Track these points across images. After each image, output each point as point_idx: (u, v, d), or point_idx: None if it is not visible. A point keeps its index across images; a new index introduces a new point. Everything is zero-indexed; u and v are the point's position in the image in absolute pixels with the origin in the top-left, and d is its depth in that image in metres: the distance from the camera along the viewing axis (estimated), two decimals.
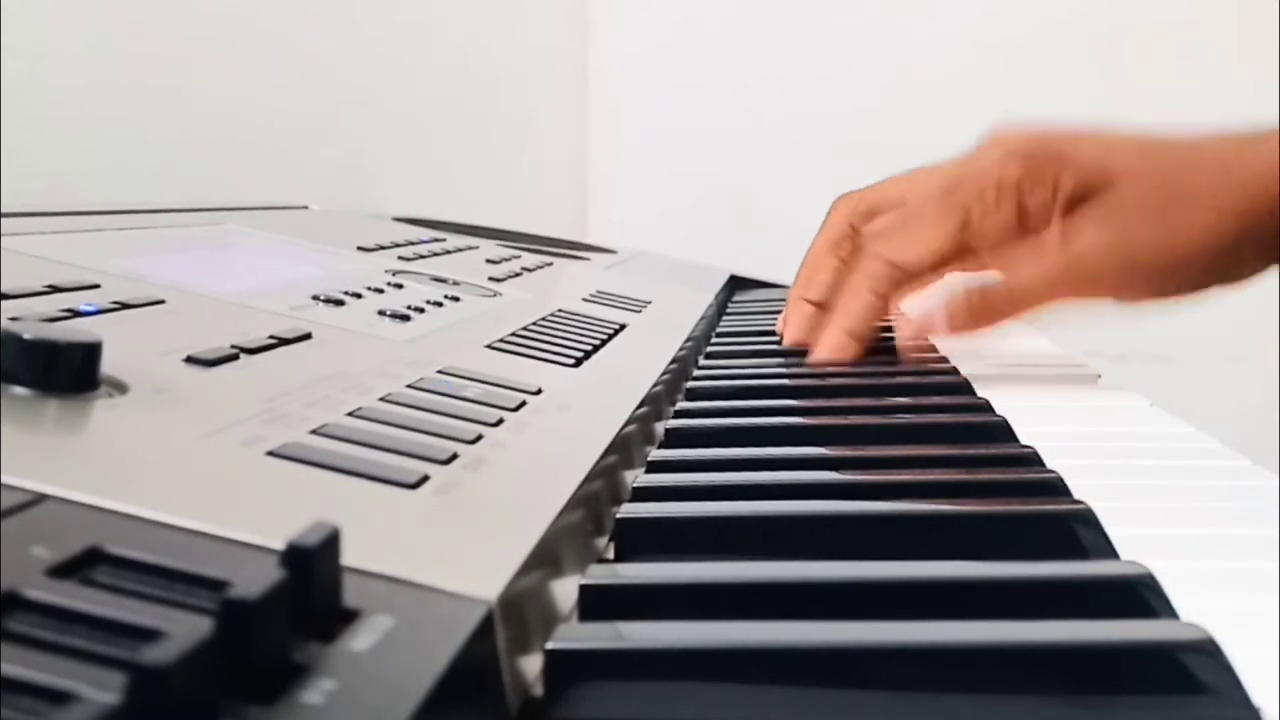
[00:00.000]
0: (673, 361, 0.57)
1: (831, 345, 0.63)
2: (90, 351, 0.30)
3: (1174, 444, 0.47)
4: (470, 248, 0.84)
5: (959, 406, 0.52)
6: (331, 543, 0.20)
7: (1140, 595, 0.28)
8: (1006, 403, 0.50)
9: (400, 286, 0.60)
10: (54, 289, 0.40)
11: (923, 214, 0.62)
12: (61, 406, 0.29)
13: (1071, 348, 0.74)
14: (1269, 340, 1.49)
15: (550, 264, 0.86)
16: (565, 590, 0.28)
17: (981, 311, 0.61)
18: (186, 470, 0.27)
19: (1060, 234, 0.59)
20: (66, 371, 0.29)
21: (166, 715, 0.15)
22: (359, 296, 0.53)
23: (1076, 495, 0.36)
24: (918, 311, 0.62)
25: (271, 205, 0.84)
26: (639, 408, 0.45)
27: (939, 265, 0.63)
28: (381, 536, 0.25)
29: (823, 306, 0.66)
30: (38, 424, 0.27)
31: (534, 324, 0.57)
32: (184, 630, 0.16)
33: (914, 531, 0.34)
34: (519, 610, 0.25)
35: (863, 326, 0.63)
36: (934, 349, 0.68)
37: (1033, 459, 0.41)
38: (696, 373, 0.62)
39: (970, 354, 0.65)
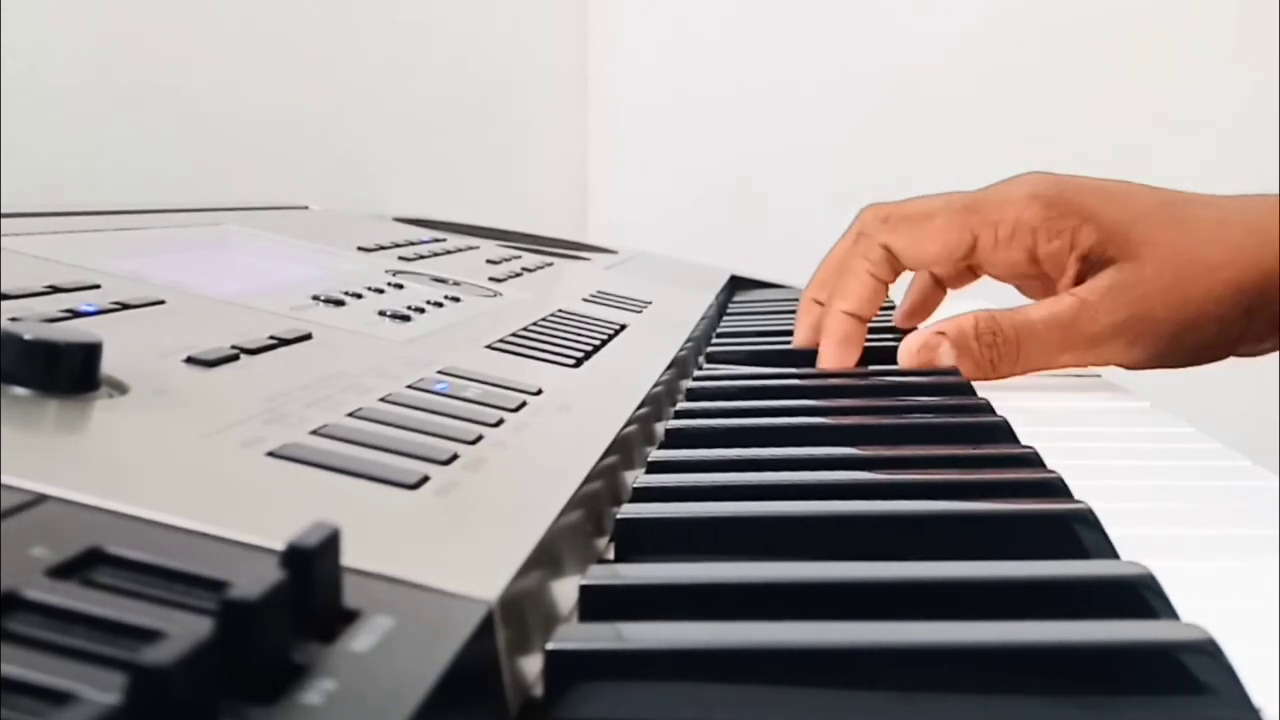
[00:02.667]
0: (673, 362, 0.57)
1: (833, 330, 0.63)
2: (90, 352, 0.30)
3: (1175, 444, 0.47)
4: (470, 248, 0.84)
5: (959, 407, 0.52)
6: (331, 543, 0.20)
7: (1140, 595, 0.28)
8: (1007, 403, 0.50)
9: (400, 287, 0.60)
10: (54, 289, 0.40)
11: (934, 218, 0.63)
12: (61, 407, 0.29)
13: None
14: None
15: (550, 264, 0.86)
16: (565, 590, 0.28)
17: (989, 365, 0.60)
18: (186, 470, 0.27)
19: (1077, 309, 0.59)
20: (66, 372, 0.29)
21: (166, 715, 0.15)
22: (359, 297, 0.53)
23: (1076, 495, 0.36)
24: (917, 343, 0.62)
25: (271, 205, 0.84)
26: (639, 408, 0.45)
27: (934, 268, 0.64)
28: (381, 537, 0.25)
29: (862, 320, 0.65)
30: (38, 424, 0.27)
31: (534, 324, 0.57)
32: (184, 630, 0.16)
33: (914, 531, 0.34)
34: (519, 611, 0.25)
35: (860, 307, 0.63)
36: None
37: (1033, 459, 0.41)
38: (697, 373, 0.62)
39: None
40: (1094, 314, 0.59)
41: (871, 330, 0.67)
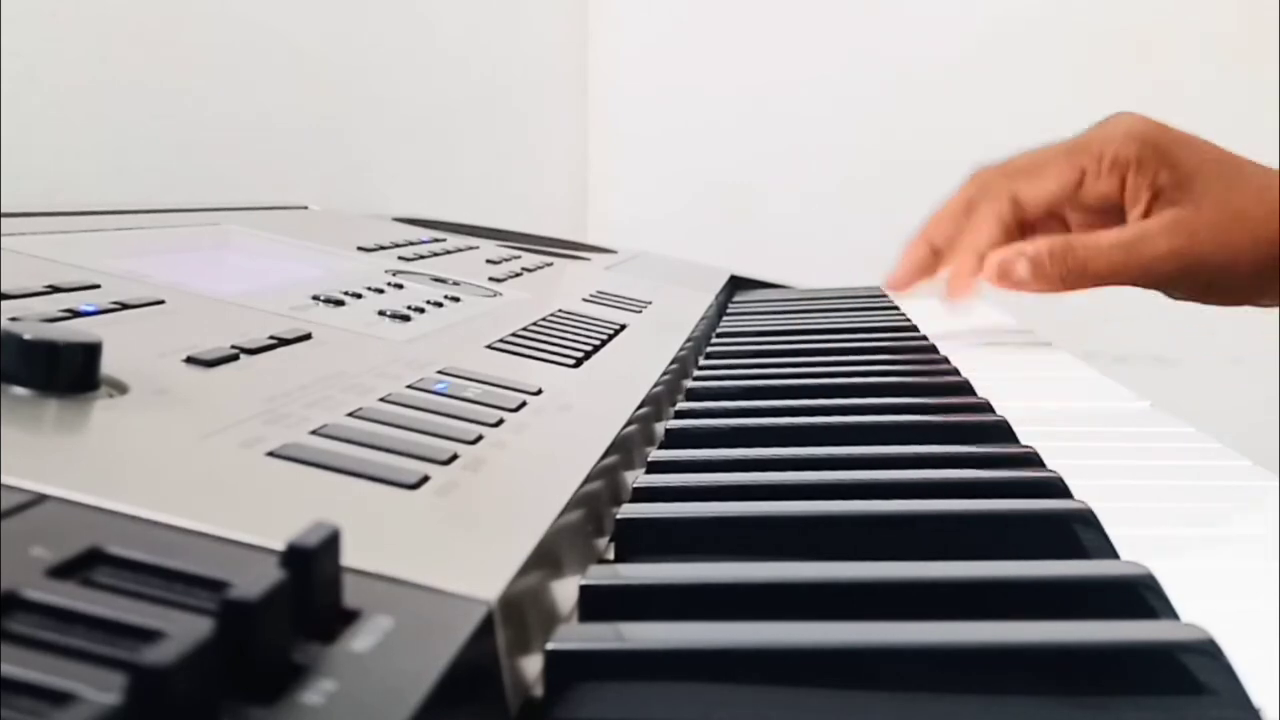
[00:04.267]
0: (673, 362, 0.57)
1: (961, 266, 0.73)
2: (90, 351, 0.30)
3: (1174, 444, 0.47)
4: (470, 248, 0.84)
5: (959, 407, 0.52)
6: (331, 543, 0.20)
7: (1140, 595, 0.28)
8: (1007, 403, 0.50)
9: (400, 287, 0.60)
10: (54, 289, 0.40)
11: (1047, 164, 0.73)
12: (61, 406, 0.29)
13: (1074, 349, 0.74)
14: (1269, 341, 1.49)
15: (550, 264, 0.86)
16: (565, 590, 0.28)
17: (1060, 279, 0.70)
18: (186, 470, 0.27)
19: (1139, 235, 0.70)
20: (66, 371, 0.29)
21: (166, 716, 0.15)
22: (359, 297, 0.53)
23: (1076, 495, 0.36)
24: (999, 258, 0.71)
25: (271, 205, 0.84)
26: (639, 408, 0.45)
27: (1052, 209, 0.73)
28: (381, 537, 0.25)
29: (937, 256, 0.75)
30: (38, 424, 0.27)
31: (534, 324, 0.57)
32: (184, 630, 0.16)
33: (914, 531, 0.34)
34: (519, 611, 0.25)
35: (988, 247, 0.72)
36: (934, 350, 0.68)
37: (1033, 459, 0.41)
38: (697, 373, 0.62)
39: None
40: (1154, 240, 0.70)
41: (870, 330, 0.67)
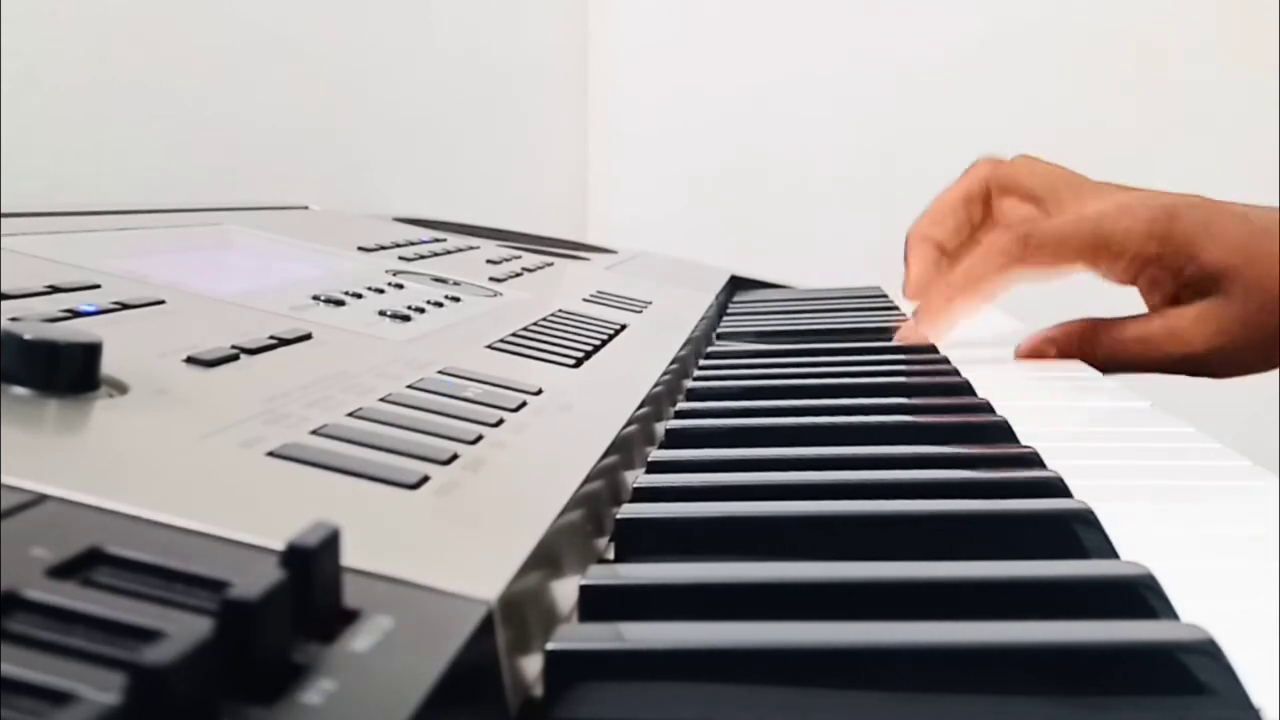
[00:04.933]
0: (673, 362, 0.57)
1: (936, 306, 0.70)
2: (90, 351, 0.30)
3: (1174, 444, 0.47)
4: (470, 248, 0.84)
5: (959, 407, 0.52)
6: (331, 543, 0.20)
7: (1140, 595, 0.28)
8: (1007, 403, 0.50)
9: (400, 287, 0.60)
10: (54, 289, 0.40)
11: (1066, 243, 0.69)
12: (61, 406, 0.29)
13: None
14: None
15: (550, 264, 0.86)
16: (565, 590, 0.28)
17: (1079, 352, 0.69)
18: (186, 470, 0.27)
19: (1166, 331, 0.68)
20: (66, 371, 0.29)
21: (166, 715, 0.15)
22: (359, 297, 0.53)
23: (1076, 495, 0.36)
24: (1032, 338, 0.70)
25: (271, 205, 0.84)
26: (639, 408, 0.45)
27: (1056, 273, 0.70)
28: (381, 536, 0.25)
29: (944, 251, 0.73)
30: (38, 424, 0.27)
31: (534, 324, 0.57)
32: (184, 630, 0.16)
33: (914, 531, 0.34)
34: (519, 611, 0.25)
35: (977, 297, 0.70)
36: (934, 350, 0.68)
37: (1033, 459, 0.41)
38: (697, 373, 0.62)
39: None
40: (1182, 337, 0.68)
41: (870, 330, 0.67)
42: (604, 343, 0.57)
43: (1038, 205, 0.73)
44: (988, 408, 0.50)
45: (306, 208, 0.91)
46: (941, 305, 0.69)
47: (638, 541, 0.34)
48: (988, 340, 0.73)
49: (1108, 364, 0.68)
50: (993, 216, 0.75)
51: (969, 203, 0.75)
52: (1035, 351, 0.69)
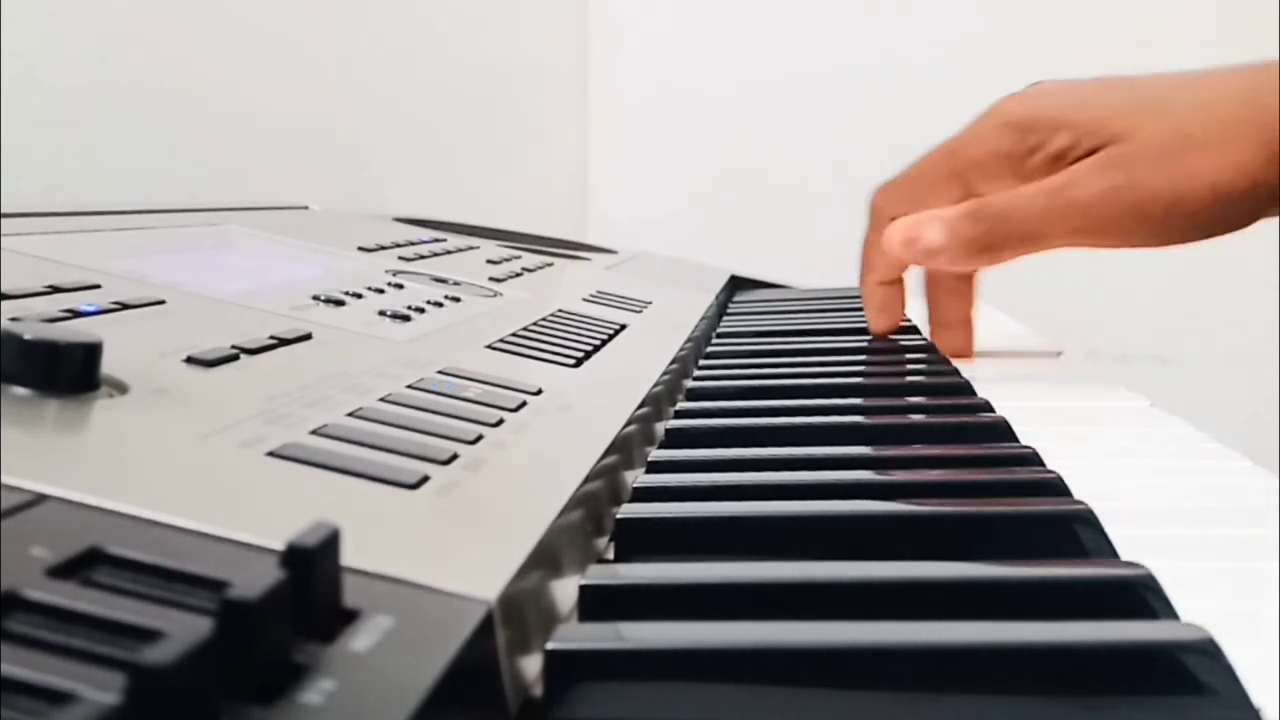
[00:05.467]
0: (673, 362, 0.57)
1: (870, 299, 0.69)
2: (90, 351, 0.30)
3: (1174, 444, 0.47)
4: (470, 248, 0.84)
5: (959, 407, 0.52)
6: (331, 543, 0.20)
7: (1140, 595, 0.28)
8: (1007, 403, 0.50)
9: (400, 287, 0.60)
10: (54, 289, 0.40)
11: (924, 184, 0.64)
12: (61, 406, 0.29)
13: (1073, 348, 0.74)
14: (1269, 340, 1.49)
15: (550, 264, 0.86)
16: (565, 590, 0.28)
17: (980, 242, 0.60)
18: (186, 470, 0.27)
19: (1065, 179, 0.59)
20: (66, 371, 0.29)
21: (166, 715, 0.15)
22: (359, 297, 0.53)
23: (1076, 495, 0.36)
24: (904, 226, 0.63)
25: (271, 205, 0.84)
26: (639, 408, 0.45)
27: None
28: (381, 536, 0.25)
29: (893, 283, 0.70)
30: (38, 424, 0.27)
31: (534, 324, 0.57)
32: (184, 630, 0.16)
33: (914, 531, 0.34)
34: (519, 610, 0.25)
35: (888, 274, 0.68)
36: (934, 349, 0.68)
37: (1033, 459, 0.41)
38: (697, 373, 0.62)
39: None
40: (1083, 180, 0.58)
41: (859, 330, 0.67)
42: (604, 343, 0.57)
43: None
44: (988, 408, 0.50)
45: (306, 208, 0.91)
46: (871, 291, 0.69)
47: (637, 541, 0.34)
48: (989, 340, 0.73)
49: (1006, 235, 0.60)
50: None
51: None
52: (911, 239, 0.62)
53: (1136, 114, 0.59)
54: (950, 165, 0.63)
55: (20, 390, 0.28)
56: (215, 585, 0.20)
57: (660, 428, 0.48)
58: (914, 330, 0.76)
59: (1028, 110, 0.62)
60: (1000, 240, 0.60)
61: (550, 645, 0.24)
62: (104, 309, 0.39)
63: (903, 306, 0.70)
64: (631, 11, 1.78)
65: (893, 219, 0.64)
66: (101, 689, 0.16)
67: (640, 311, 0.71)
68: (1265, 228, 0.60)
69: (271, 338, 0.40)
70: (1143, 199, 0.58)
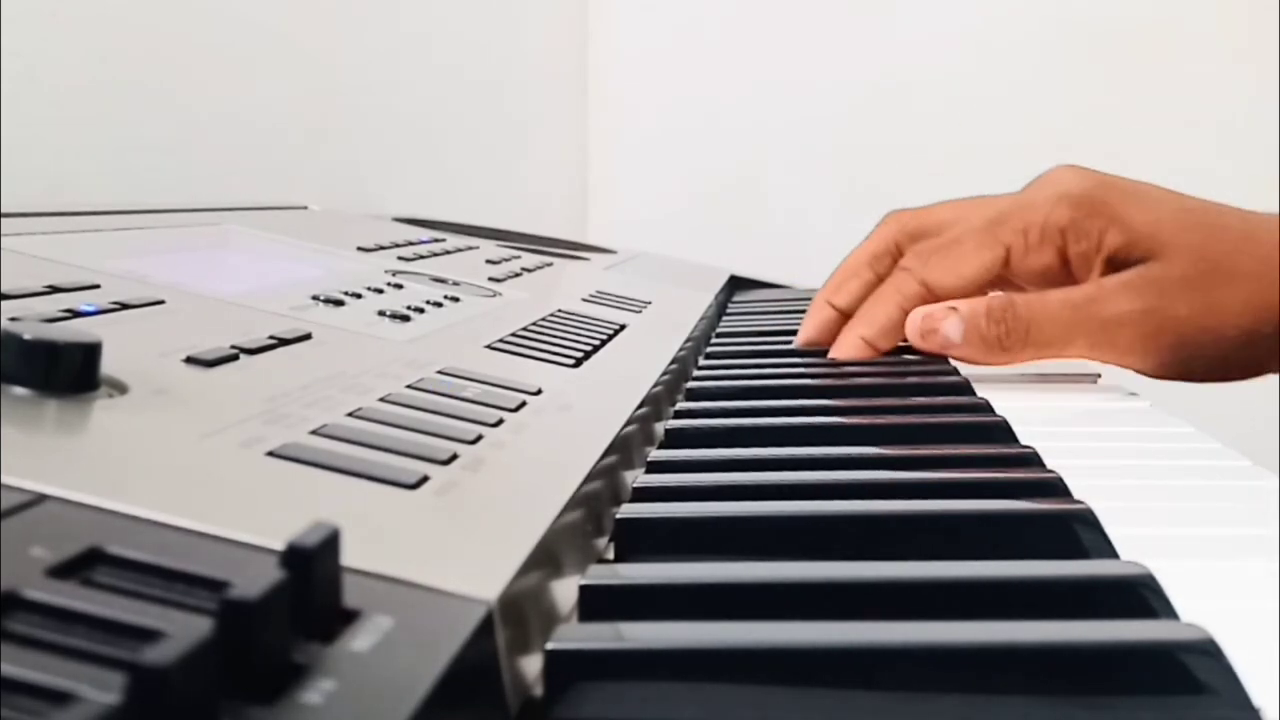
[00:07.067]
0: (673, 362, 0.57)
1: (846, 348, 0.63)
2: (90, 351, 0.30)
3: (1174, 444, 0.47)
4: (470, 248, 0.84)
5: (959, 407, 0.52)
6: (331, 543, 0.20)
7: (1140, 595, 0.28)
8: (1007, 403, 0.50)
9: (400, 287, 0.60)
10: (54, 289, 0.40)
11: (965, 242, 0.62)
12: (61, 406, 0.29)
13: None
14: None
15: (550, 264, 0.86)
16: (565, 590, 0.28)
17: (998, 344, 0.59)
18: (186, 470, 0.27)
19: (1093, 291, 0.59)
20: (66, 371, 0.29)
21: (166, 715, 0.15)
22: (359, 297, 0.53)
23: (1076, 495, 0.36)
24: (924, 314, 0.61)
25: (271, 205, 0.84)
26: (639, 408, 0.45)
27: (972, 293, 0.62)
28: (381, 536, 0.25)
29: (847, 315, 0.65)
30: (38, 424, 0.27)
31: (534, 324, 0.57)
32: (184, 630, 0.16)
33: (914, 531, 0.34)
34: (519, 610, 0.25)
35: (879, 336, 0.63)
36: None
37: (1033, 459, 0.41)
38: (696, 373, 0.62)
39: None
40: (1111, 298, 0.58)
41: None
42: (604, 343, 0.57)
43: None
44: (988, 408, 0.50)
45: (306, 208, 0.91)
46: (854, 345, 0.63)
47: (637, 541, 0.34)
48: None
49: (1025, 340, 0.59)
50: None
51: (876, 261, 0.66)
52: (928, 331, 0.60)
53: (1184, 228, 0.59)
54: (997, 233, 0.61)
55: (20, 390, 0.28)
56: (215, 585, 0.20)
57: (660, 428, 0.48)
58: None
59: (1087, 191, 0.61)
60: (1018, 344, 0.59)
61: (550, 645, 0.24)
62: (104, 309, 0.39)
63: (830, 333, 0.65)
64: (631, 12, 1.78)
65: (922, 282, 0.62)
66: (101, 689, 0.16)
67: (640, 312, 0.71)
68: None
69: (271, 338, 0.40)
70: (1169, 327, 0.57)
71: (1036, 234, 0.60)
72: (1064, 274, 0.61)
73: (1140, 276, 0.58)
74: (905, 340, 0.63)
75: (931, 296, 0.62)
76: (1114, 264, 0.59)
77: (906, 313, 0.62)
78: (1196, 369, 0.60)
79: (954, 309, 0.60)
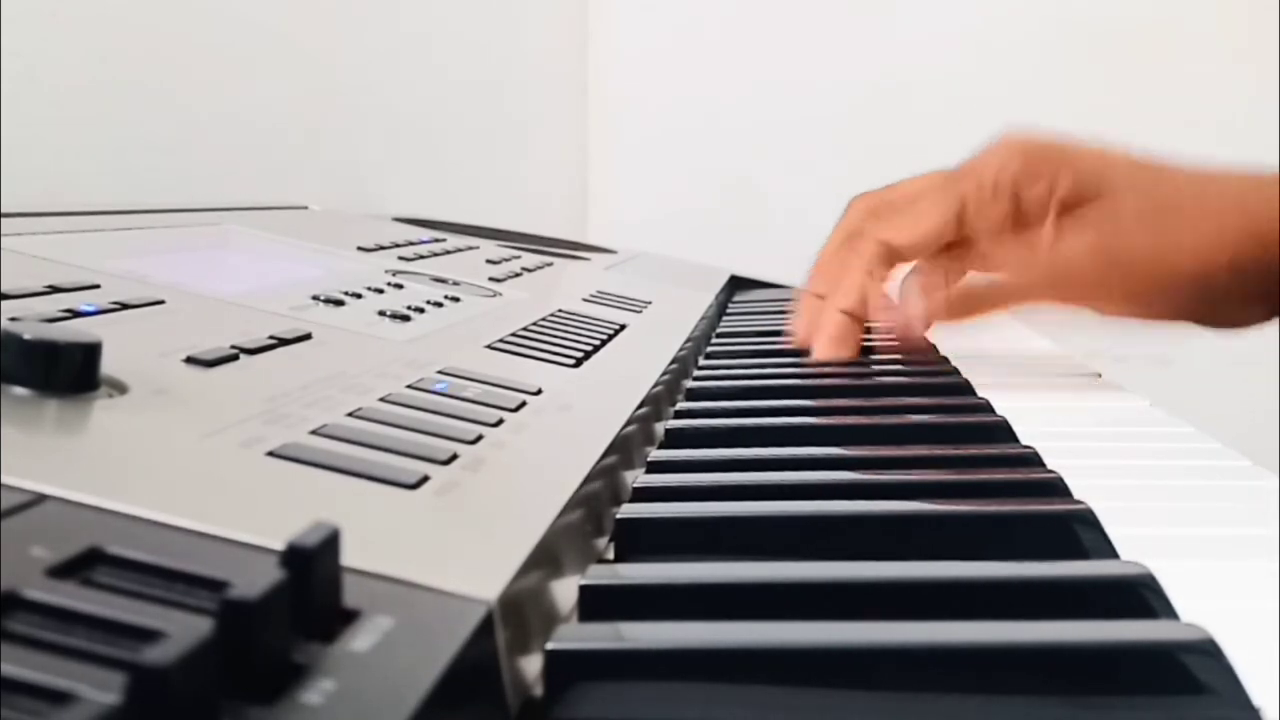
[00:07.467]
0: (673, 362, 0.57)
1: (828, 326, 0.63)
2: (90, 351, 0.30)
3: (1174, 444, 0.47)
4: (470, 248, 0.84)
5: (959, 407, 0.52)
6: (331, 543, 0.20)
7: (1140, 595, 0.28)
8: (1007, 403, 0.50)
9: (400, 287, 0.60)
10: (54, 289, 0.40)
11: (920, 200, 0.63)
12: (61, 406, 0.29)
13: (1072, 348, 0.74)
14: (1269, 340, 1.49)
15: (550, 264, 0.86)
16: (565, 590, 0.28)
17: (961, 303, 0.62)
18: (186, 470, 0.27)
19: (1050, 234, 0.59)
20: (66, 371, 0.29)
21: (166, 715, 0.15)
22: (359, 297, 0.53)
23: (1076, 495, 0.36)
24: (897, 300, 0.63)
25: (271, 205, 0.84)
26: (639, 408, 0.45)
27: (932, 249, 0.63)
28: (381, 536, 0.25)
29: (857, 318, 0.65)
30: (38, 424, 0.27)
31: (534, 324, 0.57)
32: (184, 630, 0.16)
33: (914, 531, 0.34)
34: (519, 610, 0.25)
35: (855, 304, 0.63)
36: (935, 349, 0.68)
37: (1033, 459, 0.41)
38: (696, 373, 0.62)
39: (971, 357, 0.65)
40: (1065, 235, 0.59)
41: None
42: (604, 343, 0.57)
43: None
44: (988, 408, 0.50)
45: (306, 208, 0.91)
46: (833, 320, 0.63)
47: (637, 541, 0.34)
48: (989, 341, 0.73)
49: (984, 296, 0.61)
50: None
51: (849, 242, 0.66)
52: (902, 316, 0.62)
53: (1133, 175, 0.60)
54: (952, 187, 0.62)
55: (20, 390, 0.28)
56: (215, 585, 0.20)
57: (660, 428, 0.48)
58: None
59: (1036, 142, 0.62)
60: (986, 311, 0.61)
61: (550, 645, 0.24)
62: (104, 309, 0.39)
63: (857, 344, 0.64)
64: (631, 12, 1.78)
65: (880, 241, 0.63)
66: (101, 689, 0.16)
67: (640, 312, 0.71)
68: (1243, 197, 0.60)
69: (271, 338, 0.40)
70: (1124, 258, 0.59)
71: (990, 185, 0.61)
72: (1020, 225, 0.62)
73: (1094, 210, 0.59)
74: (884, 311, 0.64)
75: (893, 254, 0.63)
76: (1068, 207, 0.60)
77: (872, 275, 0.63)
78: (1154, 306, 0.61)
79: (917, 285, 0.62)
